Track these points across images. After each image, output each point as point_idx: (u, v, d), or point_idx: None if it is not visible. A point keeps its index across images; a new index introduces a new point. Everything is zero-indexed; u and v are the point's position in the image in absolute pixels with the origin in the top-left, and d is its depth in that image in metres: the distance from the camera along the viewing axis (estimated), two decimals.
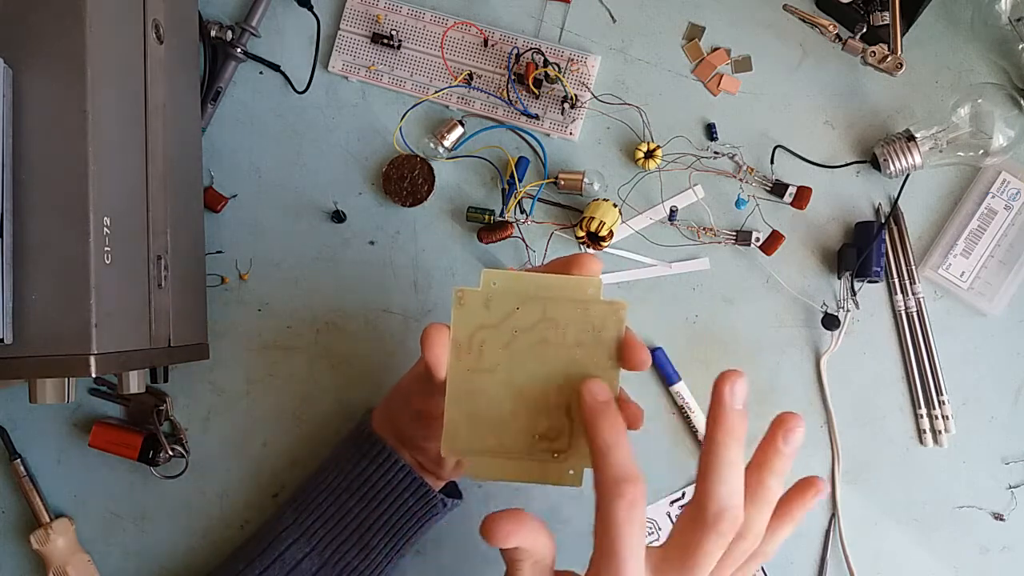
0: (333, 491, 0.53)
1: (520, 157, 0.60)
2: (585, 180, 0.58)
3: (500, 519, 0.37)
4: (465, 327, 0.41)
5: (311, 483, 0.54)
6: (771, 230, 0.58)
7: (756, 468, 0.39)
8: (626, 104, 0.60)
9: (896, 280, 0.59)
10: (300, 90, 0.61)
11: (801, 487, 0.42)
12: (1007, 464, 0.59)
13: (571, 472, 0.41)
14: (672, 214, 0.59)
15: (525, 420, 0.41)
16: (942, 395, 0.58)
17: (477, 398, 0.41)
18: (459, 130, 0.60)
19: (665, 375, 0.58)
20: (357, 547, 0.52)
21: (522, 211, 0.59)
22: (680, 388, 0.59)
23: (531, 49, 0.59)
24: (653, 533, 0.59)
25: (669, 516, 0.59)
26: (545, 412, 0.41)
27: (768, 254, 0.58)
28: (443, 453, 0.41)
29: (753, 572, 0.42)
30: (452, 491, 0.56)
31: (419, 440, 0.51)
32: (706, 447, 0.38)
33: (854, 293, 0.58)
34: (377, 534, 0.52)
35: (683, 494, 0.59)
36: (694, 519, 0.38)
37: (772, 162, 0.59)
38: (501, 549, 0.38)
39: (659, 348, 0.59)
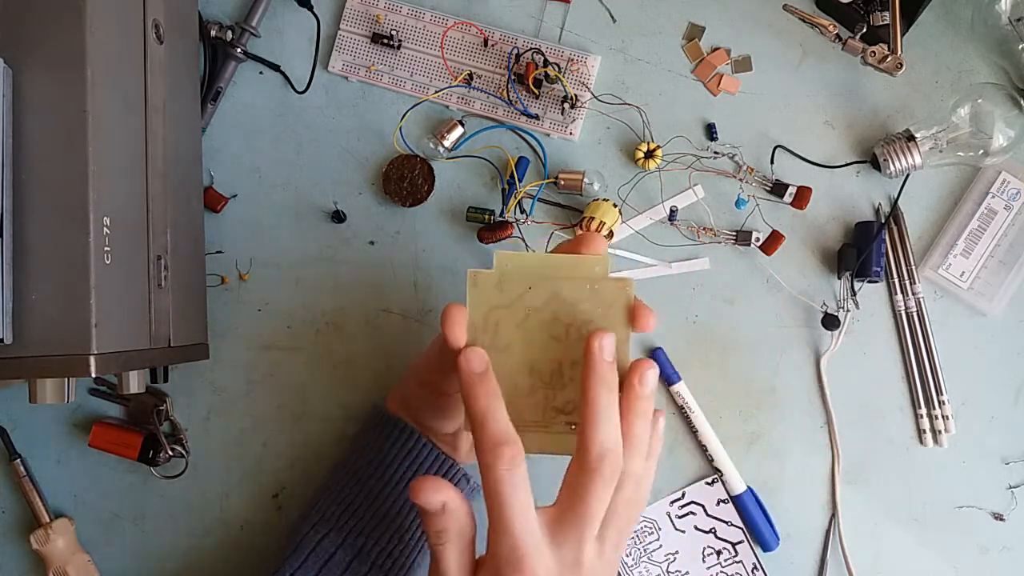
0: (359, 479, 0.52)
1: (520, 157, 0.60)
2: (585, 180, 0.58)
3: (428, 478, 0.41)
4: (480, 307, 0.43)
5: (332, 477, 0.54)
6: (771, 230, 0.58)
7: (623, 416, 0.41)
8: (626, 104, 0.60)
9: (896, 280, 0.59)
10: (300, 90, 0.61)
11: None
12: (1007, 464, 0.59)
13: None
14: (672, 214, 0.59)
15: (541, 394, 0.43)
16: (942, 395, 0.58)
17: (495, 375, 0.43)
18: (459, 130, 0.60)
19: (665, 375, 0.58)
20: (390, 531, 0.52)
21: (522, 211, 0.59)
22: (680, 388, 0.59)
23: (531, 49, 0.59)
24: (653, 533, 0.59)
25: (669, 516, 0.59)
26: (560, 386, 0.43)
27: (768, 254, 0.58)
28: (466, 428, 0.43)
29: (634, 520, 0.43)
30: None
31: (434, 420, 0.52)
32: (582, 400, 0.41)
33: (854, 293, 0.58)
34: (409, 515, 0.52)
35: (683, 494, 0.59)
36: (577, 468, 0.40)
37: (772, 162, 0.59)
38: (426, 521, 0.41)
39: (659, 348, 0.59)
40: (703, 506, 0.59)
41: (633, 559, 0.59)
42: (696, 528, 0.59)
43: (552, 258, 0.44)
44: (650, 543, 0.59)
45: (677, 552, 0.59)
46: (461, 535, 0.41)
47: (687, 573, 0.59)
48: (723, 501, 0.59)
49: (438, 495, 0.40)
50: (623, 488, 0.41)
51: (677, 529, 0.59)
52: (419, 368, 0.52)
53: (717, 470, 0.58)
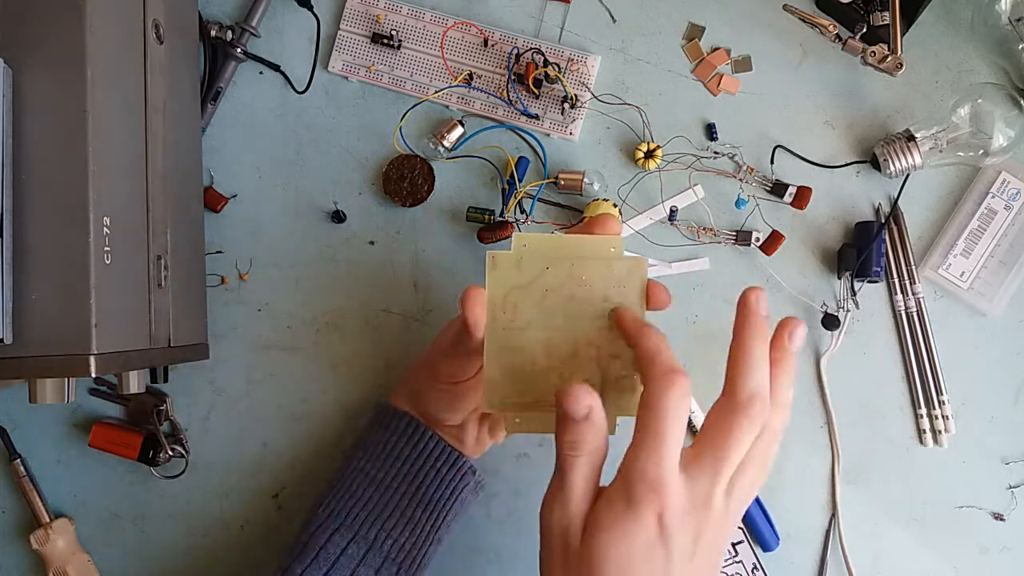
0: (367, 474, 0.52)
1: (520, 157, 0.60)
2: (585, 180, 0.58)
3: (579, 386, 0.39)
4: (499, 288, 0.44)
5: (338, 476, 0.54)
6: (771, 230, 0.58)
7: (771, 371, 0.42)
8: (626, 104, 0.60)
9: (896, 280, 0.59)
10: (300, 90, 0.61)
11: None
12: (1007, 464, 0.59)
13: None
14: (672, 214, 0.59)
15: (559, 373, 0.44)
16: (942, 395, 0.58)
17: (513, 355, 0.44)
18: (459, 130, 0.59)
19: None
20: (401, 523, 0.52)
21: (522, 211, 0.59)
22: None
23: (531, 49, 0.59)
24: None
25: None
26: (577, 365, 0.44)
27: (768, 254, 0.58)
28: (484, 408, 0.44)
29: (760, 483, 0.43)
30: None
31: (443, 412, 0.51)
32: (735, 346, 0.41)
33: (854, 293, 0.58)
34: (419, 507, 0.52)
35: None
36: (725, 407, 0.40)
37: (772, 162, 0.59)
38: (565, 429, 0.39)
39: None
40: None
41: None
42: None
43: (569, 239, 0.45)
44: None
45: None
46: (596, 452, 0.40)
47: None
48: None
49: (587, 399, 0.39)
50: (762, 440, 0.41)
51: None
52: (431, 359, 0.52)
53: None
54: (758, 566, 0.59)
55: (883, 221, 0.59)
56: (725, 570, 0.59)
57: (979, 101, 0.56)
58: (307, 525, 0.53)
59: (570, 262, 0.44)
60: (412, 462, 0.52)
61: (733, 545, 0.59)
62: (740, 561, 0.59)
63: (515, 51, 0.59)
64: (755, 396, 0.40)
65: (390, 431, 0.53)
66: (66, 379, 0.46)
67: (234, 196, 0.61)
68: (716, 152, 0.59)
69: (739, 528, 0.59)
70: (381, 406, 0.55)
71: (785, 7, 0.58)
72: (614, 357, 0.44)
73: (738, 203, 0.58)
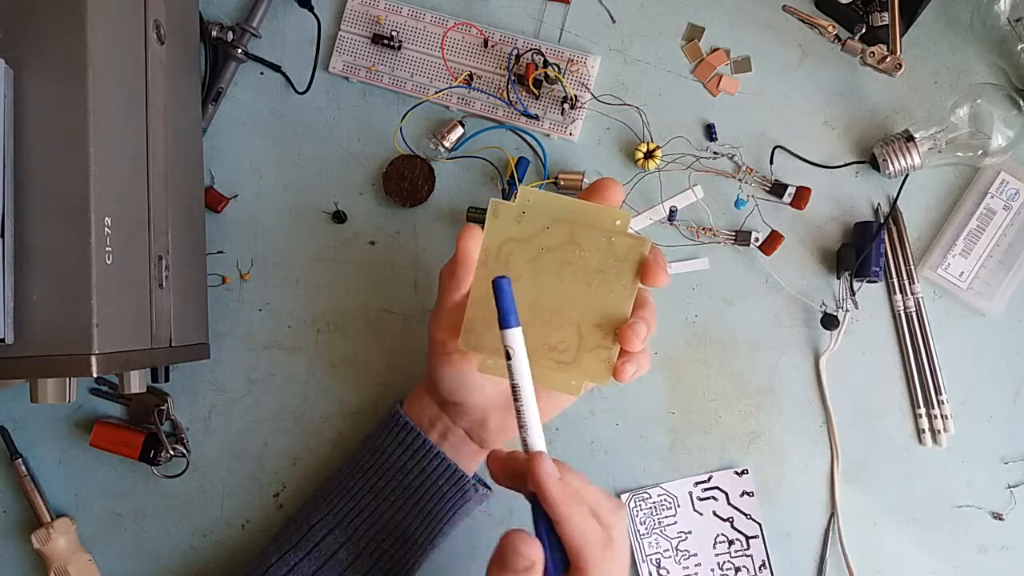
0: (368, 480, 0.53)
1: (520, 157, 0.60)
2: (585, 180, 0.58)
3: (530, 539, 0.42)
4: (496, 237, 0.45)
5: (343, 473, 0.54)
6: (770, 230, 0.58)
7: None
8: (626, 104, 0.60)
9: (895, 280, 0.59)
10: (301, 91, 0.62)
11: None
12: (1006, 463, 0.59)
13: (572, 383, 0.45)
14: (672, 214, 0.59)
15: (537, 330, 0.45)
16: (941, 395, 0.58)
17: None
18: (459, 130, 0.60)
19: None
20: (393, 536, 0.52)
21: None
22: None
23: (531, 50, 0.59)
24: (671, 508, 0.59)
25: (691, 496, 0.59)
26: (556, 326, 0.45)
27: (767, 254, 0.58)
28: (460, 346, 0.45)
29: None
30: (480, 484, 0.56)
31: (454, 390, 0.50)
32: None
33: (853, 293, 0.58)
34: (413, 522, 0.52)
35: (709, 477, 0.59)
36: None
37: (771, 162, 0.59)
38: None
39: None
40: (727, 493, 0.59)
41: (646, 528, 0.59)
42: (715, 514, 0.59)
43: (574, 203, 0.45)
44: (666, 517, 0.59)
45: (690, 532, 0.59)
46: None
47: (695, 554, 0.59)
48: (748, 493, 0.59)
49: (533, 552, 0.42)
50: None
51: (696, 510, 0.59)
52: (436, 342, 0.50)
53: None
54: (766, 564, 0.59)
55: (882, 221, 0.59)
56: (733, 560, 0.59)
57: (978, 101, 0.56)
58: (308, 514, 0.53)
59: (572, 227, 0.44)
60: (414, 476, 0.52)
61: (747, 538, 0.59)
62: (750, 555, 0.59)
63: (515, 52, 0.59)
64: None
65: (398, 441, 0.53)
66: (67, 379, 0.46)
67: (235, 196, 0.61)
68: (715, 152, 0.60)
69: (757, 523, 0.58)
70: (392, 413, 0.54)
71: (784, 8, 0.58)
72: (596, 326, 0.45)
73: (737, 203, 0.58)
